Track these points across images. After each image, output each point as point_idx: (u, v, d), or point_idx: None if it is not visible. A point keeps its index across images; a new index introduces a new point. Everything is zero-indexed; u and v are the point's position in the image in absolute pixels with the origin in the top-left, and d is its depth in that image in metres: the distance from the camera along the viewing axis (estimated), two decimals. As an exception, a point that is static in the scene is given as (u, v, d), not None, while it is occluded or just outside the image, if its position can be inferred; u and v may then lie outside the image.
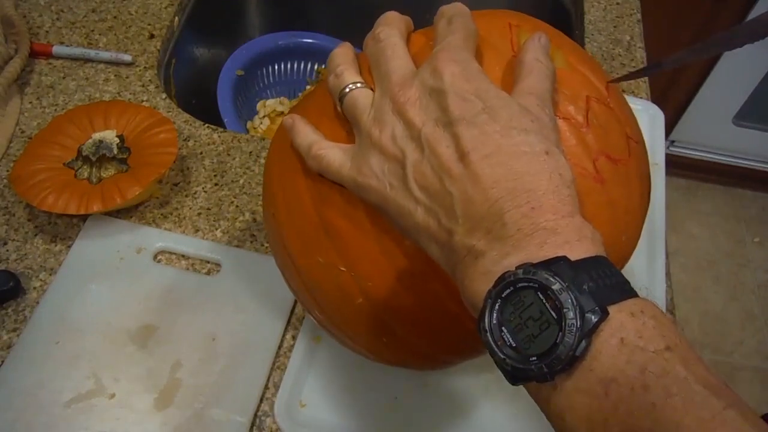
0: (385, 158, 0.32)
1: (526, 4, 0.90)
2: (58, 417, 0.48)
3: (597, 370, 0.24)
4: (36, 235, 0.58)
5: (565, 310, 0.25)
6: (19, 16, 0.71)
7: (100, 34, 0.73)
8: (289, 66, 0.91)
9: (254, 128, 0.87)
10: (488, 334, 0.27)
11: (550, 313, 0.25)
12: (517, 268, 0.26)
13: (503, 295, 0.26)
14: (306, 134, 0.36)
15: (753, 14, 1.27)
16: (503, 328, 0.26)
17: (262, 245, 0.58)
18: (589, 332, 0.24)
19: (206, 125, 0.67)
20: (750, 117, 1.52)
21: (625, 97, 0.71)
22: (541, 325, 0.26)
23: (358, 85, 0.35)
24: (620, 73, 0.74)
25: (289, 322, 0.53)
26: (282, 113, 0.90)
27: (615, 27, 0.79)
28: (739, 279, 1.64)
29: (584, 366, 0.25)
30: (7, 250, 0.56)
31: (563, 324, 0.25)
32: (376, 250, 0.36)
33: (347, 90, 0.35)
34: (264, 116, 0.88)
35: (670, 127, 1.59)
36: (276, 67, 0.90)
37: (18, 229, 0.58)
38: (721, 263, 1.67)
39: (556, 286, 0.25)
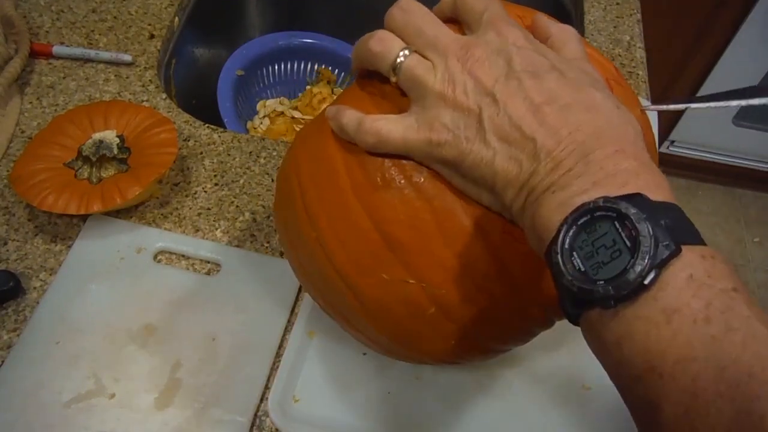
0: (460, 113, 0.32)
1: (526, 3, 0.90)
2: (58, 417, 0.48)
3: (661, 301, 0.25)
4: (36, 235, 0.58)
5: (641, 237, 0.25)
6: (19, 16, 0.71)
7: (100, 34, 0.73)
8: (289, 66, 0.91)
9: (254, 128, 0.87)
10: (558, 255, 0.27)
11: (624, 242, 0.26)
12: (597, 198, 0.27)
13: (579, 222, 0.27)
14: (352, 113, 0.36)
15: (752, 15, 1.27)
16: (574, 252, 0.27)
17: (262, 245, 0.58)
18: (660, 263, 0.25)
19: (206, 125, 0.67)
20: (750, 117, 1.53)
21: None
22: (612, 253, 0.26)
23: (406, 52, 0.35)
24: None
25: (289, 321, 0.54)
26: (282, 113, 0.90)
27: (615, 27, 0.79)
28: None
29: (649, 296, 0.25)
30: (7, 250, 0.56)
31: (637, 251, 0.25)
32: (447, 255, 0.35)
33: (401, 58, 0.35)
34: (264, 116, 0.88)
35: (670, 127, 1.59)
36: (276, 67, 0.90)
37: (18, 229, 0.58)
38: (721, 263, 1.66)
39: (635, 216, 0.25)
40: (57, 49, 0.70)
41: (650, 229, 0.25)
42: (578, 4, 0.83)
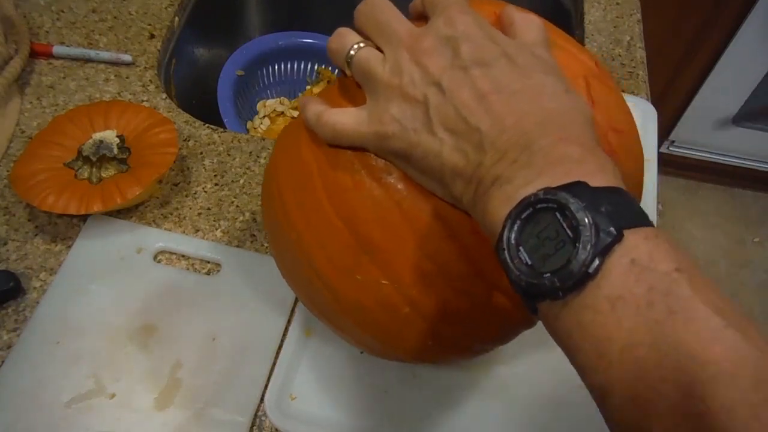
0: (408, 104, 0.32)
1: (526, 3, 0.90)
2: (58, 417, 0.48)
3: (605, 288, 0.25)
4: (36, 235, 0.58)
5: (581, 227, 0.25)
6: (19, 16, 0.71)
7: (100, 34, 0.73)
8: (289, 66, 0.91)
9: (254, 128, 0.87)
10: (505, 252, 0.27)
11: (566, 233, 0.26)
12: (538, 191, 0.27)
13: (523, 216, 0.27)
14: (315, 106, 0.37)
15: (752, 15, 1.27)
16: (520, 247, 0.27)
17: (262, 245, 0.58)
18: (603, 250, 0.25)
19: (206, 125, 0.67)
20: (750, 117, 1.52)
21: (623, 95, 0.72)
22: (557, 244, 0.26)
23: (362, 45, 0.35)
24: (619, 74, 0.74)
25: (289, 321, 0.54)
26: (282, 113, 0.90)
27: (615, 27, 0.79)
28: (739, 279, 1.64)
29: (594, 284, 0.25)
30: (7, 250, 0.56)
31: (578, 241, 0.25)
32: (418, 255, 0.35)
33: (354, 50, 0.35)
34: (264, 116, 0.88)
35: (670, 128, 1.59)
36: (276, 67, 0.90)
37: (18, 229, 0.58)
38: (721, 263, 1.67)
39: (573, 206, 0.25)
40: (57, 49, 0.70)
41: (590, 217, 0.25)
42: (578, 4, 0.83)
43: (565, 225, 0.26)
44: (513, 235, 0.27)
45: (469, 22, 0.33)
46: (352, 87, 0.37)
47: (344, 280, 0.37)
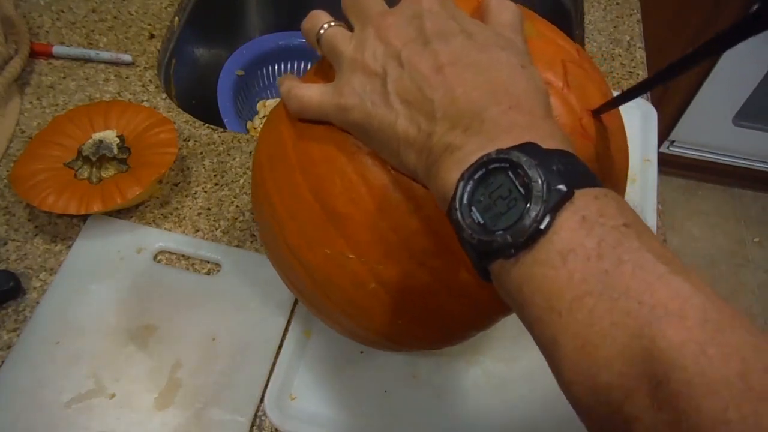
0: (367, 78, 0.33)
1: (526, 3, 0.90)
2: (58, 417, 0.48)
3: (557, 243, 0.25)
4: (36, 235, 0.58)
5: (533, 184, 0.26)
6: (19, 16, 0.71)
7: (100, 34, 0.73)
8: (289, 66, 0.91)
9: (254, 128, 0.87)
10: (457, 212, 0.28)
11: (519, 190, 0.26)
12: (491, 152, 0.27)
13: (475, 177, 0.27)
14: (289, 82, 0.38)
15: (753, 14, 1.27)
16: (473, 207, 0.27)
17: (262, 245, 0.58)
18: (554, 207, 0.25)
19: (206, 125, 0.67)
20: (750, 117, 1.52)
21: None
22: (509, 203, 0.26)
23: (331, 24, 0.37)
24: (619, 74, 0.74)
25: (289, 322, 0.54)
26: (282, 113, 0.90)
27: (615, 27, 0.79)
28: (739, 279, 1.64)
29: (545, 240, 0.25)
30: (7, 250, 0.56)
31: (530, 198, 0.26)
32: (383, 228, 0.36)
33: (323, 29, 0.37)
34: (264, 116, 0.88)
35: (670, 127, 1.59)
36: (276, 67, 0.90)
37: (18, 229, 0.58)
38: (721, 263, 1.67)
39: (526, 163, 0.26)
40: (57, 49, 0.70)
41: (542, 174, 0.26)
42: (578, 4, 0.83)
43: (517, 183, 0.26)
44: (465, 196, 0.28)
45: (433, 2, 0.34)
46: (328, 67, 0.38)
47: (314, 254, 0.38)
